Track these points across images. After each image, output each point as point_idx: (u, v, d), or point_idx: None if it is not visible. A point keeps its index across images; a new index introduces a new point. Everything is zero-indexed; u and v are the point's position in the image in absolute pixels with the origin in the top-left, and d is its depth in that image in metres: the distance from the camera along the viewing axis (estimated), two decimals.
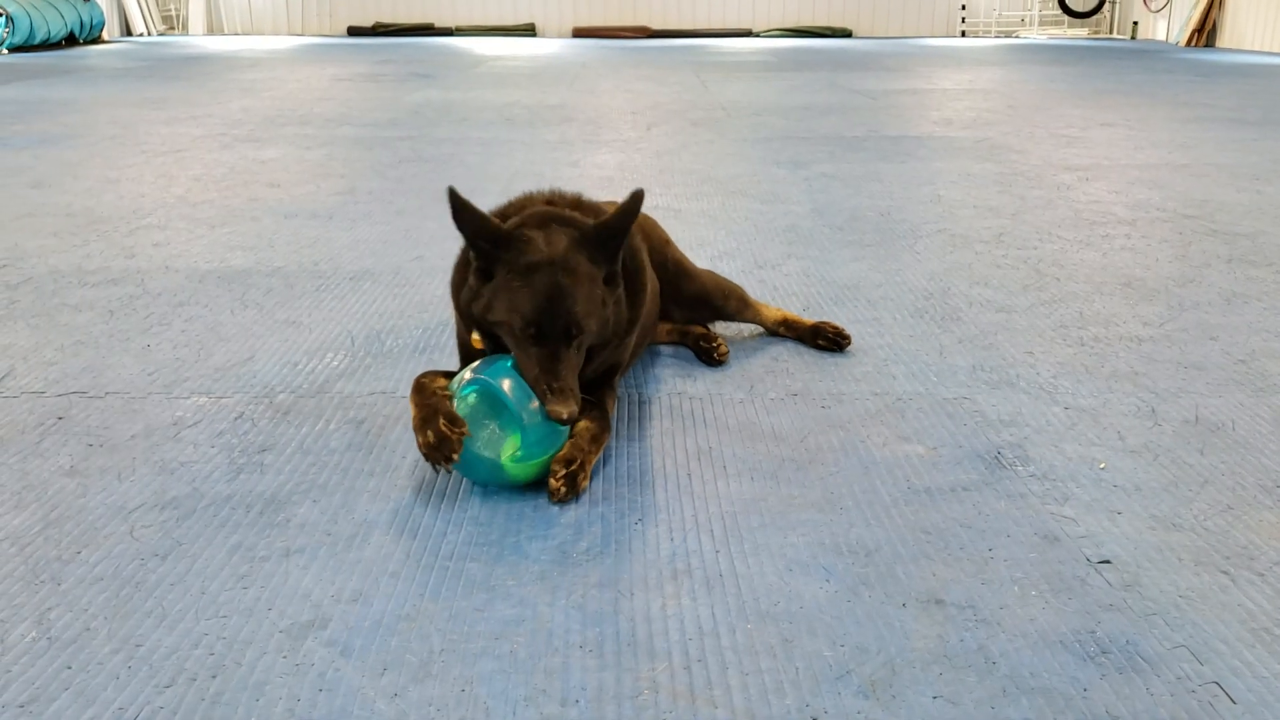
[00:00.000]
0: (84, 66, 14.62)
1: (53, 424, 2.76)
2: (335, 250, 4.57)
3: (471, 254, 2.51)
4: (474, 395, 2.39)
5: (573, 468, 2.39)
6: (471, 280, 2.52)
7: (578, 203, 2.74)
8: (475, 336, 2.62)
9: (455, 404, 2.38)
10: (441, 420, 2.30)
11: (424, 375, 2.53)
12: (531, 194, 2.75)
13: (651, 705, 1.71)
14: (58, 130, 8.27)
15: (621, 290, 2.60)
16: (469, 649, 1.84)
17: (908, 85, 12.21)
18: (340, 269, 4.26)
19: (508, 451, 2.34)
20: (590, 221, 2.55)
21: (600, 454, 2.52)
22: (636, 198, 2.51)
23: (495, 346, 2.55)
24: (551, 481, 2.37)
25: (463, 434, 2.30)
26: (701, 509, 2.34)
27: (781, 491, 2.42)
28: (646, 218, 3.28)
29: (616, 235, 2.51)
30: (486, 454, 2.34)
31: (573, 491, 2.37)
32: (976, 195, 5.83)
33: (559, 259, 2.44)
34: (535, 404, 2.37)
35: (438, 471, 2.40)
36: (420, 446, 2.32)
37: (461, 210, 2.44)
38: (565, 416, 2.32)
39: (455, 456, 2.29)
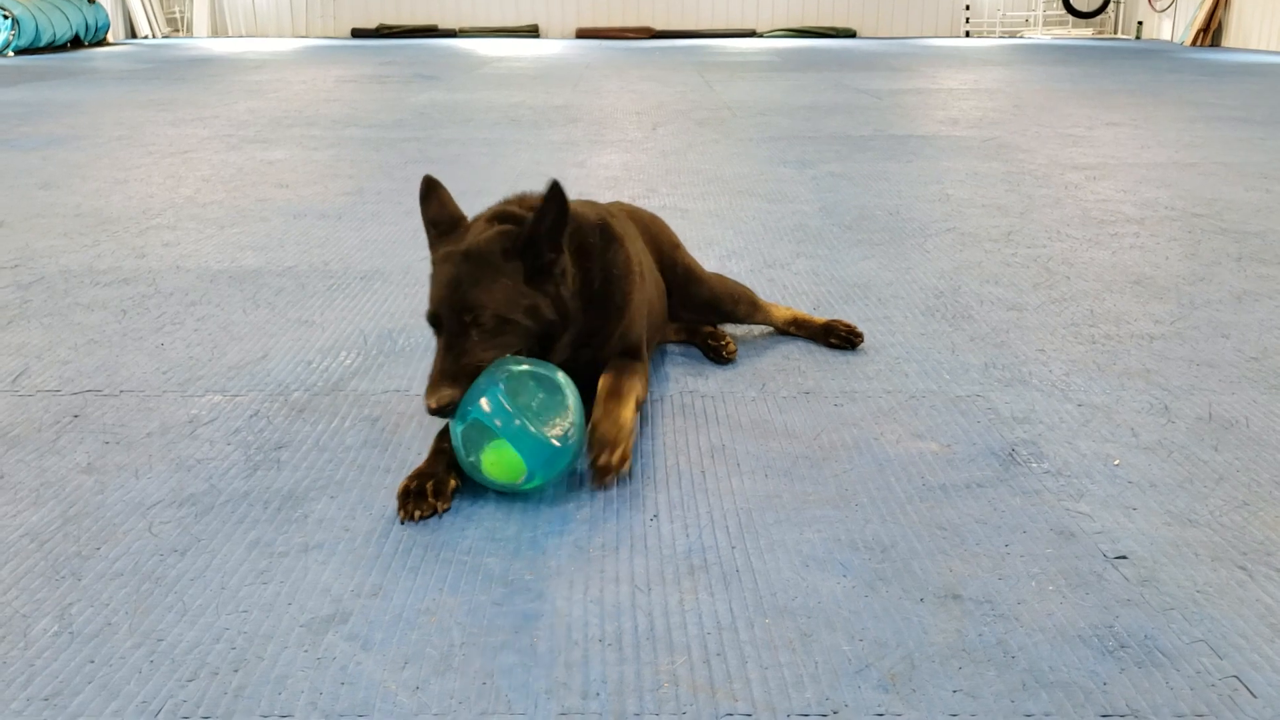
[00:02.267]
0: (89, 68, 14.65)
1: (69, 422, 2.77)
2: (345, 250, 4.59)
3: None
4: (463, 429, 2.34)
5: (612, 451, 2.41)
6: None
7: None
8: None
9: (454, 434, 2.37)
10: (430, 484, 2.32)
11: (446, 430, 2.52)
12: (525, 194, 2.75)
13: (672, 698, 1.72)
14: (65, 132, 8.29)
15: (560, 286, 2.53)
16: (489, 642, 1.85)
17: (913, 85, 12.21)
18: (351, 268, 4.28)
19: (513, 475, 2.33)
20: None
21: (635, 414, 2.54)
22: (553, 191, 2.46)
23: None
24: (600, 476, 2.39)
25: (444, 509, 2.30)
26: (716, 505, 2.35)
27: (796, 488, 2.43)
28: (656, 220, 3.29)
29: (536, 232, 2.46)
30: (497, 479, 2.34)
31: (618, 467, 2.40)
32: (984, 194, 5.83)
33: (469, 248, 2.48)
34: (533, 427, 2.32)
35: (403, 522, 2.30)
36: (400, 489, 2.32)
37: (428, 195, 2.61)
38: (432, 405, 2.32)
39: (414, 517, 2.27)
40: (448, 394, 2.33)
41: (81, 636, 1.86)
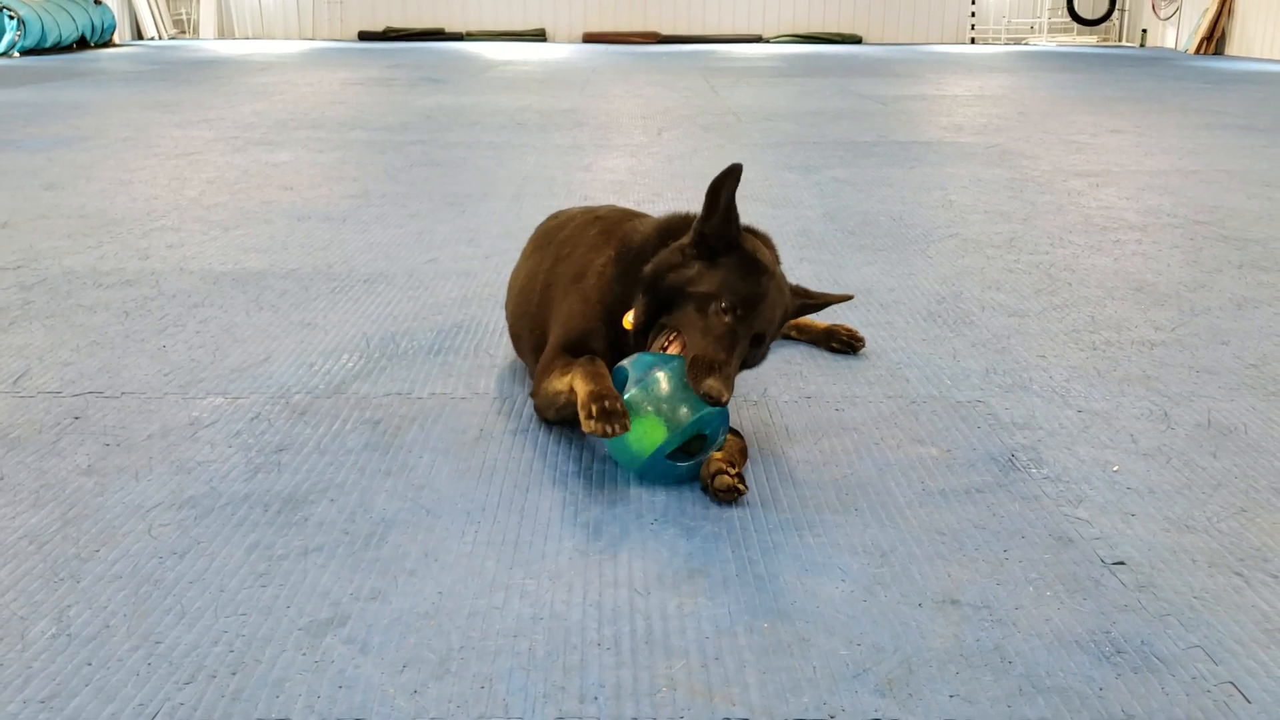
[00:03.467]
0: (95, 70, 14.68)
1: (69, 424, 2.78)
2: (349, 253, 4.59)
3: (701, 234, 2.54)
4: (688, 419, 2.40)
5: (737, 468, 2.41)
6: (687, 248, 2.55)
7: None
8: (629, 317, 2.61)
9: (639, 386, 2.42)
10: (619, 404, 2.36)
11: (592, 361, 2.56)
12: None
13: (670, 702, 1.72)
14: (70, 133, 8.31)
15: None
16: (487, 646, 1.85)
17: (918, 91, 12.22)
18: (354, 271, 4.28)
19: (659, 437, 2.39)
20: None
21: (745, 466, 2.53)
22: (844, 298, 2.84)
23: (649, 321, 2.55)
24: (725, 479, 2.36)
25: (626, 424, 2.34)
26: (716, 509, 2.35)
27: (796, 493, 2.43)
28: None
29: (810, 307, 2.77)
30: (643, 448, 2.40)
31: (742, 492, 2.38)
32: (987, 200, 5.83)
33: (777, 275, 2.60)
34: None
35: (605, 434, 2.33)
36: (594, 410, 2.34)
37: (732, 190, 2.53)
38: (724, 401, 2.33)
39: (618, 430, 2.32)
40: (729, 397, 2.37)
41: (79, 639, 1.87)
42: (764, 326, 2.50)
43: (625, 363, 2.52)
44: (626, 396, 2.41)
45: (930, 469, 2.55)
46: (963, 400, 2.97)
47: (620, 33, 23.71)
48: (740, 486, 2.36)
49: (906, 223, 5.25)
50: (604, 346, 2.66)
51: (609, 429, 2.31)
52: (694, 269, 2.50)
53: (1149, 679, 1.77)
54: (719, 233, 2.53)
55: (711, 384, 2.33)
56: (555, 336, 2.75)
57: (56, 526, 2.25)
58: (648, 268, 2.57)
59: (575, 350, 2.67)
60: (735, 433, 2.58)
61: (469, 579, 2.07)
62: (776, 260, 2.69)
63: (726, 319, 2.43)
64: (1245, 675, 1.79)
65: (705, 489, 2.40)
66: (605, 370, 2.52)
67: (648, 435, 2.38)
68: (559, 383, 2.59)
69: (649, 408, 2.39)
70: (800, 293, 2.72)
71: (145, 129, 8.61)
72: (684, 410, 2.38)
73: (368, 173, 6.67)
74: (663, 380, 2.41)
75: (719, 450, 2.45)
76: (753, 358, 2.57)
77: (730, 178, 2.50)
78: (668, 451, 2.40)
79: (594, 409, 2.34)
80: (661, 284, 2.52)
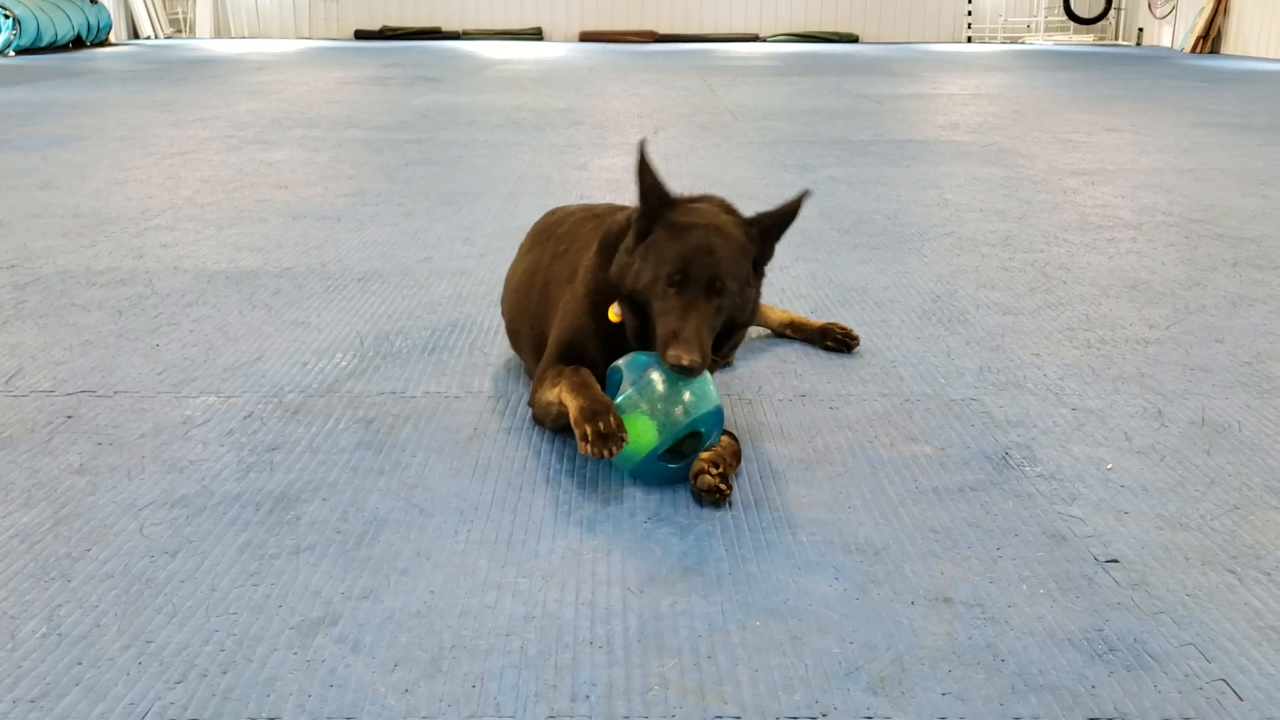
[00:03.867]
0: (91, 69, 14.66)
1: (62, 423, 2.77)
2: (343, 251, 4.59)
3: (637, 213, 2.56)
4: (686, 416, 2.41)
5: (722, 468, 2.38)
6: (628, 244, 2.57)
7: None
8: (614, 309, 2.62)
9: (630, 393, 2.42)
10: (611, 418, 2.35)
11: (577, 372, 2.56)
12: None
13: (661, 701, 1.72)
14: (65, 132, 8.30)
15: (760, 285, 2.65)
16: (479, 645, 1.85)
17: (914, 90, 12.22)
18: (349, 270, 4.28)
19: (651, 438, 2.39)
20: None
21: (738, 469, 2.51)
22: (801, 199, 2.68)
23: (638, 322, 2.56)
24: (707, 479, 2.35)
25: (623, 438, 2.34)
26: (710, 508, 2.34)
27: (789, 491, 2.43)
28: None
29: (774, 224, 2.63)
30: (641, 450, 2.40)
31: (725, 494, 2.35)
32: (983, 199, 5.83)
33: (714, 223, 2.54)
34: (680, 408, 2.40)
35: (603, 457, 2.33)
36: (589, 431, 2.33)
37: (645, 165, 2.53)
38: (685, 363, 2.33)
39: (616, 450, 2.32)
40: (700, 361, 2.36)
41: (70, 638, 1.86)
42: (711, 273, 2.44)
43: (620, 363, 2.52)
44: (621, 398, 2.41)
45: (924, 467, 2.55)
46: (957, 398, 2.97)
47: (617, 32, 23.70)
48: (722, 487, 2.34)
49: (902, 221, 5.25)
50: (597, 345, 2.66)
51: (605, 453, 2.31)
52: (636, 262, 2.52)
53: (1141, 676, 1.77)
54: (647, 215, 2.54)
55: (673, 353, 2.34)
56: (551, 341, 2.75)
57: (48, 525, 2.24)
58: (612, 274, 2.59)
59: (570, 355, 2.67)
60: (731, 435, 2.57)
61: (461, 578, 2.06)
62: (722, 209, 2.64)
63: (672, 291, 2.44)
64: (1237, 673, 1.78)
65: (691, 490, 2.40)
66: (592, 379, 2.52)
67: (642, 436, 2.38)
68: (550, 393, 2.59)
69: (643, 408, 2.39)
70: (755, 221, 2.62)
71: (141, 128, 8.60)
72: (678, 411, 2.38)
73: (363, 171, 6.67)
74: (657, 381, 2.41)
75: (709, 450, 2.44)
76: (734, 306, 2.51)
77: (639, 159, 2.52)
78: (660, 452, 2.39)
79: (588, 430, 2.34)
80: (626, 292, 2.55)
